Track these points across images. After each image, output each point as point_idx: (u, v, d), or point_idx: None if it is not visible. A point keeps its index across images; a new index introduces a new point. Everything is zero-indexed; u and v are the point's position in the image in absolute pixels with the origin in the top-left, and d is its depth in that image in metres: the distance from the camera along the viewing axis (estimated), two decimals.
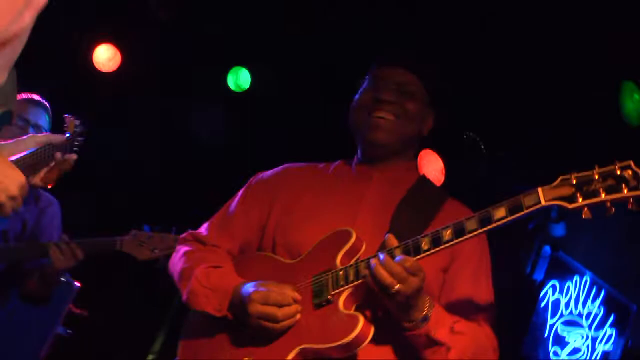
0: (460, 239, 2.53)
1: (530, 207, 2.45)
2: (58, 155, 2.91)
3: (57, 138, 2.93)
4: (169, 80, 6.26)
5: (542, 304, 6.78)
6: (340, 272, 2.64)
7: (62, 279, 4.38)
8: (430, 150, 6.04)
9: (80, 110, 3.21)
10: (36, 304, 4.39)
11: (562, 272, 6.84)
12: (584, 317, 6.84)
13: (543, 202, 2.43)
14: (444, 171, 5.95)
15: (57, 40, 5.72)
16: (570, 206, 2.40)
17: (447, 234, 2.55)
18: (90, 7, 5.92)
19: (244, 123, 6.48)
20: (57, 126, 3.73)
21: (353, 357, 2.61)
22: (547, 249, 6.82)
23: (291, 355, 2.59)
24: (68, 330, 4.97)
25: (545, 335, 6.75)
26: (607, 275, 6.92)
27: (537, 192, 2.45)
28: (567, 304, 6.80)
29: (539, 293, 6.77)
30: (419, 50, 3.07)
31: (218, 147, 6.36)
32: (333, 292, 2.63)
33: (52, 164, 2.90)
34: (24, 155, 2.81)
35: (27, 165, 2.78)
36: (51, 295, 4.37)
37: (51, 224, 4.37)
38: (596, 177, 2.39)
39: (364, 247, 2.70)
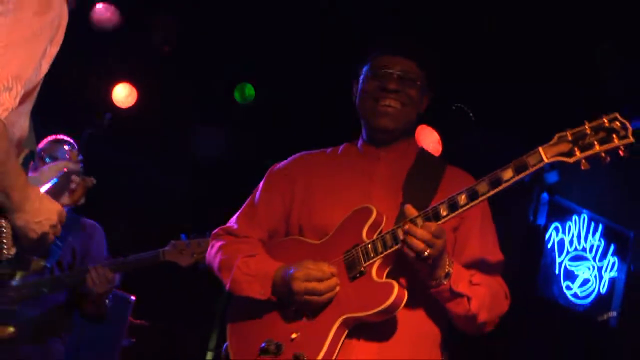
0: (475, 202, 2.60)
1: (535, 165, 2.53)
2: (77, 178, 2.93)
3: (71, 165, 2.92)
4: (180, 106, 6.33)
5: (549, 245, 6.81)
6: (369, 245, 2.69)
7: (118, 294, 4.36)
8: (425, 125, 6.09)
9: (104, 144, 3.24)
10: (96, 322, 4.42)
11: (561, 214, 6.86)
12: (587, 250, 6.87)
13: (545, 160, 2.52)
14: (440, 142, 6.00)
15: (79, 82, 5.83)
16: (571, 160, 2.50)
17: (462, 198, 2.60)
18: (106, 51, 5.99)
19: (252, 132, 6.52)
20: None
21: (391, 320, 2.67)
22: (545, 195, 6.85)
23: (335, 325, 2.63)
24: (132, 340, 5.02)
25: (556, 272, 6.78)
26: (602, 209, 6.94)
27: (539, 151, 2.52)
28: (571, 242, 6.83)
29: (544, 236, 6.80)
30: (413, 37, 3.06)
31: (226, 158, 6.41)
32: (365, 264, 2.67)
33: (74, 186, 2.91)
34: (51, 185, 2.79)
35: (54, 193, 2.77)
36: (106, 314, 4.37)
37: (98, 250, 4.38)
38: (588, 131, 2.46)
39: (384, 220, 2.75)
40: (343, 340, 2.66)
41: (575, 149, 2.49)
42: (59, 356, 4.23)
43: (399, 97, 2.88)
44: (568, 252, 6.85)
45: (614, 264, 6.94)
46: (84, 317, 4.43)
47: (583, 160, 2.51)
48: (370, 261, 2.68)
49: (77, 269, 4.17)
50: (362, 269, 2.68)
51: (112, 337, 4.90)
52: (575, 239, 6.87)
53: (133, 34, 6.06)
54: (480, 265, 2.83)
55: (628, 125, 2.47)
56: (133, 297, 4.98)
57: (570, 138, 2.50)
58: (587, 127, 2.47)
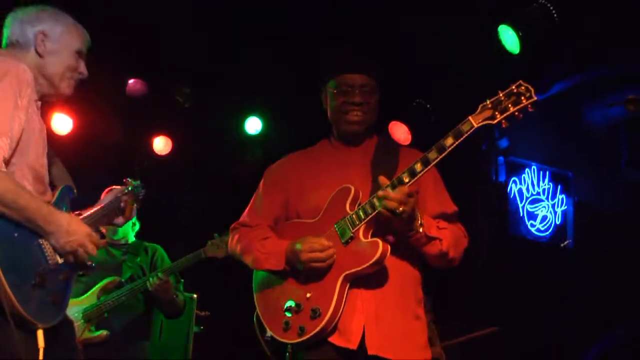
0: (429, 167, 2.64)
1: (468, 131, 2.60)
2: (126, 199, 2.86)
3: (120, 191, 2.89)
4: (207, 145, 6.40)
5: (511, 196, 6.81)
6: (353, 216, 2.71)
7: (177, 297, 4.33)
8: (396, 121, 6.11)
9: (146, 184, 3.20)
10: (174, 318, 4.44)
11: (516, 169, 6.85)
12: (541, 193, 6.83)
13: (475, 125, 2.59)
14: (409, 132, 6.02)
15: (126, 136, 5.91)
16: (494, 122, 2.58)
17: (419, 166, 2.64)
18: (145, 108, 6.06)
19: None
20: None
21: (381, 269, 2.70)
22: (501, 158, 6.87)
23: (339, 281, 2.66)
24: (201, 328, 5.05)
25: (521, 215, 6.77)
26: (546, 159, 6.93)
27: (469, 119, 2.60)
28: (527, 189, 6.80)
29: (507, 189, 6.80)
30: (364, 54, 3.07)
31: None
32: (353, 230, 2.70)
33: (123, 205, 2.84)
34: (100, 207, 2.76)
35: (103, 214, 2.76)
36: (181, 309, 4.39)
37: (160, 264, 4.38)
38: (503, 97, 2.57)
39: (361, 195, 2.77)
40: (347, 292, 2.68)
41: (496, 113, 2.58)
42: (145, 350, 4.27)
43: (362, 108, 2.89)
44: (527, 198, 6.83)
45: (562, 199, 6.90)
46: (165, 315, 4.44)
47: (503, 121, 2.59)
48: (357, 227, 2.70)
49: (141, 280, 4.18)
50: (352, 234, 2.71)
51: (185, 328, 4.91)
52: (530, 187, 6.85)
53: (160, 97, 6.11)
54: (440, 216, 2.86)
55: (530, 87, 2.56)
56: (195, 295, 4.99)
57: (490, 106, 2.59)
58: (501, 95, 2.58)
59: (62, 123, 5.64)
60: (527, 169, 6.87)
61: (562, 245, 6.80)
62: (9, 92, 2.26)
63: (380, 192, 2.62)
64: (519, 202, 6.80)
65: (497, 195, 6.90)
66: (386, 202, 2.59)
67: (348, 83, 2.89)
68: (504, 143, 6.75)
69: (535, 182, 6.86)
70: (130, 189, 2.91)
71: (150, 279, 4.07)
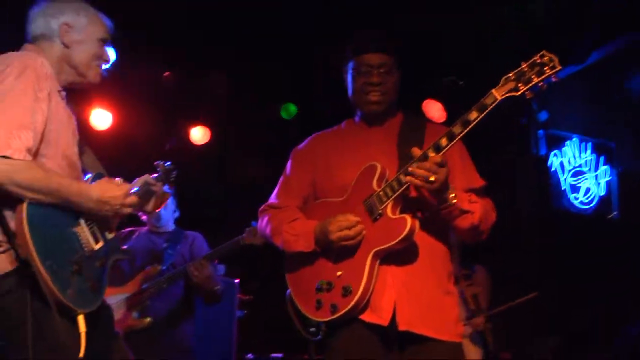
0: (454, 141, 2.60)
1: (491, 104, 2.56)
2: (157, 185, 2.81)
3: (149, 178, 2.84)
4: (244, 132, 6.43)
5: (553, 169, 6.71)
6: (381, 193, 2.69)
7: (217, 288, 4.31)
8: (430, 99, 6.06)
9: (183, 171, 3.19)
10: (213, 303, 4.44)
11: (556, 142, 6.77)
12: (583, 165, 6.73)
13: (498, 98, 2.56)
14: (444, 110, 5.97)
15: (165, 125, 5.98)
16: (517, 94, 2.54)
17: (443, 141, 2.61)
18: (186, 98, 6.11)
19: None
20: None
21: (411, 245, 2.68)
22: (540, 132, 6.78)
23: (369, 258, 2.65)
24: (244, 312, 5.10)
25: (563, 188, 6.67)
26: (587, 130, 6.82)
27: (492, 92, 2.57)
28: (569, 162, 6.70)
29: (547, 163, 6.71)
30: (382, 32, 3.03)
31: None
32: (381, 207, 2.68)
33: (155, 189, 2.80)
34: (134, 191, 2.69)
35: (139, 197, 2.69)
36: (220, 295, 4.36)
37: (199, 252, 4.39)
38: (526, 69, 2.53)
39: (387, 172, 2.75)
40: (377, 268, 2.67)
41: (519, 84, 2.54)
42: (188, 335, 4.32)
43: (382, 88, 2.86)
44: (569, 171, 6.72)
45: (606, 171, 6.78)
46: (204, 301, 4.46)
47: (527, 92, 2.54)
48: (384, 204, 2.69)
49: (181, 267, 4.23)
50: (380, 211, 2.69)
51: (228, 313, 4.98)
52: (572, 159, 6.75)
53: (196, 87, 6.16)
54: (469, 191, 2.81)
55: (554, 57, 2.51)
56: (237, 280, 5.04)
57: (513, 77, 2.55)
58: (524, 66, 2.54)
59: (102, 118, 5.73)
60: (567, 141, 6.76)
61: (608, 217, 6.67)
62: (28, 86, 2.31)
63: (413, 164, 2.59)
64: (560, 175, 6.70)
65: (538, 169, 6.81)
66: (418, 172, 2.56)
67: (366, 63, 2.86)
68: (543, 116, 6.65)
69: (576, 154, 6.74)
70: (161, 172, 2.91)
71: (191, 266, 4.11)
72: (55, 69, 2.52)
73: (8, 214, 2.26)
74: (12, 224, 2.25)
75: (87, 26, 2.60)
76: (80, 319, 2.30)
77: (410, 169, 2.59)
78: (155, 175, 2.84)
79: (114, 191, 2.47)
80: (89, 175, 2.63)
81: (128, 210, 2.53)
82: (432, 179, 2.55)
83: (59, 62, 2.54)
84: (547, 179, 6.68)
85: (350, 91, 2.95)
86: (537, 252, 6.14)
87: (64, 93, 2.54)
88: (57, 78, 2.53)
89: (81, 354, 2.24)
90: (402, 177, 2.65)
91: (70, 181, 2.39)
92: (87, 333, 2.30)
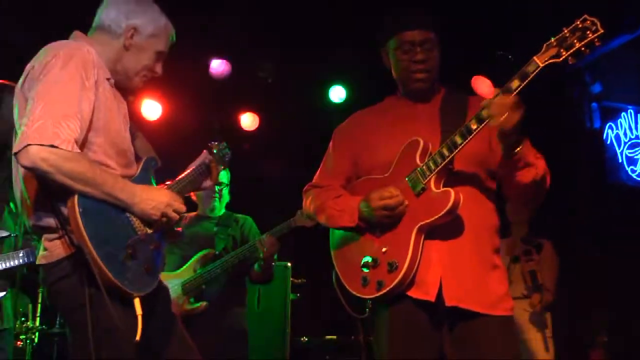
0: None
1: (533, 71, 2.51)
2: (209, 164, 2.85)
3: (204, 155, 2.89)
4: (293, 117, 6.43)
5: (608, 142, 6.52)
6: (424, 167, 2.66)
7: (274, 264, 4.35)
8: (479, 76, 5.94)
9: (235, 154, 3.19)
10: (266, 283, 4.47)
11: (611, 114, 6.57)
12: None
13: (540, 64, 2.51)
14: (493, 86, 5.83)
15: (217, 113, 6.03)
16: (559, 60, 2.49)
17: (485, 112, 2.54)
18: (230, 86, 6.16)
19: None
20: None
21: (455, 219, 2.65)
22: (594, 104, 6.58)
23: (414, 233, 2.62)
24: (297, 295, 5.11)
25: (620, 161, 6.47)
26: None
27: (534, 60, 2.52)
28: (625, 134, 6.49)
29: (602, 136, 6.52)
30: (420, 8, 2.97)
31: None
32: (424, 181, 2.65)
33: (209, 168, 2.84)
34: (185, 174, 2.77)
35: (189, 180, 2.75)
36: (271, 276, 4.42)
37: (250, 233, 4.45)
38: (567, 34, 2.49)
39: (430, 146, 2.72)
40: (422, 243, 2.64)
41: (561, 50, 2.49)
42: (242, 317, 4.36)
43: (426, 65, 2.82)
44: (625, 143, 6.51)
45: None
46: (255, 282, 4.50)
47: (570, 58, 2.49)
48: (428, 178, 2.66)
49: (243, 247, 4.24)
50: (423, 185, 2.66)
51: (282, 296, 4.99)
52: (627, 131, 6.53)
53: (243, 74, 6.20)
54: None
55: (596, 20, 2.46)
56: (289, 264, 5.05)
57: (555, 44, 2.51)
58: (565, 31, 2.49)
59: (152, 109, 5.82)
60: (623, 113, 6.55)
61: None
62: (74, 74, 2.32)
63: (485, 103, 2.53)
64: (616, 147, 6.50)
65: (592, 143, 6.62)
66: (495, 108, 2.47)
67: (409, 41, 2.82)
68: (596, 88, 6.45)
69: (633, 126, 6.52)
70: (215, 151, 2.92)
71: (261, 241, 4.15)
72: (107, 63, 2.53)
73: (62, 200, 2.29)
74: (65, 211, 2.29)
75: (151, 36, 2.58)
76: (137, 302, 2.32)
77: (489, 102, 2.52)
78: (211, 153, 2.86)
79: (159, 197, 2.44)
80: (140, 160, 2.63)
81: (179, 207, 2.49)
82: (505, 114, 2.46)
83: (112, 58, 2.54)
84: (603, 153, 6.49)
85: (394, 69, 2.91)
86: (594, 227, 5.97)
87: (112, 81, 2.54)
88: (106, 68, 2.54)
89: (137, 337, 2.26)
90: (444, 150, 2.62)
91: (115, 178, 2.38)
92: (144, 315, 2.31)
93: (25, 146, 2.19)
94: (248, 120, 6.55)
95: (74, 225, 2.25)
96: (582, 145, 6.64)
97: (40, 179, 2.29)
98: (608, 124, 6.52)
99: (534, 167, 2.64)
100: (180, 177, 2.76)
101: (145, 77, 2.63)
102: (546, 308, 5.25)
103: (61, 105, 2.26)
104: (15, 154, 2.22)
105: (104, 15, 2.57)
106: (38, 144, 2.18)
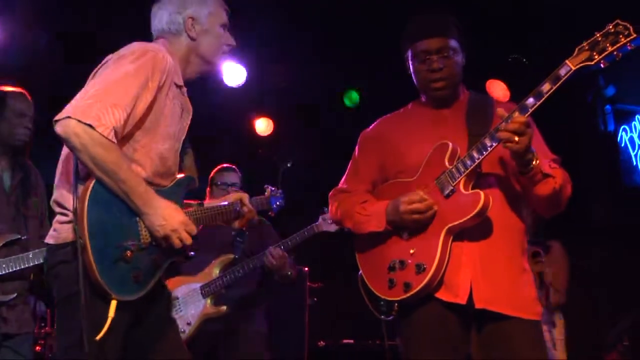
0: (528, 114, 2.54)
1: (566, 74, 2.52)
2: (245, 209, 2.75)
3: (245, 199, 2.78)
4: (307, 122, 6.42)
5: (623, 144, 6.49)
6: (453, 169, 2.65)
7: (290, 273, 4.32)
8: (494, 80, 5.95)
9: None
10: (288, 286, 4.46)
11: (625, 117, 6.55)
12: None
13: (573, 68, 2.52)
14: (508, 89, 5.86)
15: (235, 119, 6.01)
16: (592, 63, 2.51)
17: (516, 115, 2.54)
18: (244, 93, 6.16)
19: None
20: None
21: (485, 221, 2.62)
22: (608, 107, 6.56)
23: (442, 235, 2.60)
24: (314, 299, 5.09)
25: (634, 164, 6.43)
26: None
27: (566, 63, 2.53)
28: (639, 137, 6.47)
29: (617, 139, 6.49)
30: (436, 15, 2.94)
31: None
32: (454, 184, 2.63)
33: (245, 210, 2.75)
34: (216, 205, 2.71)
35: (215, 213, 2.66)
36: (292, 280, 4.38)
37: (269, 238, 4.42)
38: (600, 38, 2.50)
39: (459, 149, 2.70)
40: (451, 245, 2.62)
41: (594, 54, 2.51)
42: (262, 320, 4.35)
43: (444, 73, 2.78)
44: (639, 146, 6.47)
45: None
46: (278, 282, 4.45)
47: (602, 61, 2.51)
48: (457, 180, 2.64)
49: (258, 255, 4.25)
50: (452, 187, 2.64)
51: (299, 301, 4.97)
52: None
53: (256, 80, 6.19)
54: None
55: (629, 25, 2.47)
56: (306, 268, 5.03)
57: (587, 47, 2.52)
58: (598, 35, 2.51)
59: None
60: (637, 116, 6.52)
61: None
62: (140, 72, 2.32)
63: (500, 127, 2.53)
64: (630, 150, 6.47)
65: (606, 146, 6.59)
66: (502, 134, 2.50)
67: (424, 50, 2.80)
68: (610, 91, 6.43)
69: None
70: (266, 197, 2.80)
71: (268, 255, 4.14)
72: (182, 63, 2.55)
73: (81, 187, 2.27)
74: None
75: (209, 16, 2.60)
76: (113, 304, 2.24)
77: (501, 128, 2.53)
78: (258, 197, 2.78)
79: (172, 219, 2.35)
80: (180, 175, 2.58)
81: (184, 237, 2.38)
82: (516, 139, 2.48)
83: (186, 55, 2.56)
84: (617, 156, 6.46)
85: (414, 77, 2.90)
86: (609, 231, 5.94)
87: (185, 89, 2.53)
88: (184, 72, 2.55)
89: (98, 337, 2.18)
90: (474, 152, 2.61)
91: (140, 181, 2.33)
92: (118, 322, 2.24)
93: (66, 117, 2.20)
94: (263, 125, 6.54)
95: (80, 207, 2.22)
96: (596, 148, 6.60)
97: (75, 160, 2.29)
98: (622, 127, 6.48)
99: (552, 178, 2.62)
100: (212, 204, 2.70)
101: (224, 53, 2.65)
102: (556, 308, 5.21)
103: (116, 93, 2.26)
104: (56, 120, 2.22)
105: (158, 22, 2.60)
106: (77, 119, 2.19)
